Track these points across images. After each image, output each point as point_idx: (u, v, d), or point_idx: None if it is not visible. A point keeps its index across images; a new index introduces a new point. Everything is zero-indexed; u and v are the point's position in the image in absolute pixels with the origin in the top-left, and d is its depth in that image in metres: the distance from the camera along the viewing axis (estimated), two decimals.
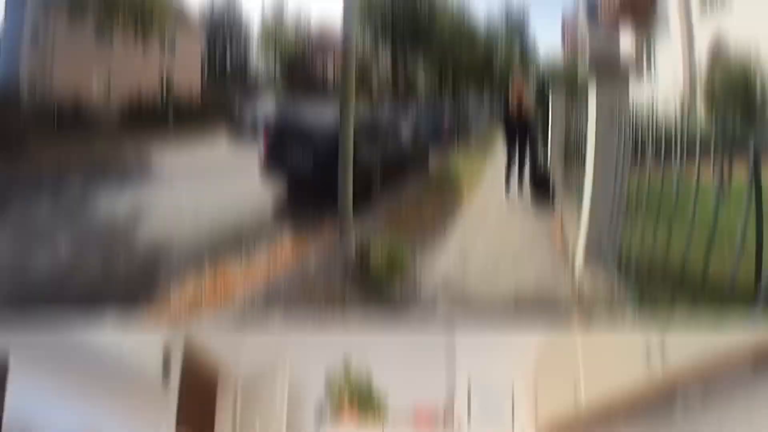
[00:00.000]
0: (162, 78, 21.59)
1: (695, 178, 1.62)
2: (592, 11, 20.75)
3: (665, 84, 10.57)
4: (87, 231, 4.30)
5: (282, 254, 3.98)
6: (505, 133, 5.90)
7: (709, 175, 1.55)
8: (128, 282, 3.30)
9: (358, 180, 3.93)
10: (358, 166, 3.81)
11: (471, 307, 2.83)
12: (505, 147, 5.93)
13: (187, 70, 22.88)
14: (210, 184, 6.85)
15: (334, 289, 3.01)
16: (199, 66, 25.67)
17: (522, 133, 5.71)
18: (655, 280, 2.09)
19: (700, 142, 1.58)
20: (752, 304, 1.22)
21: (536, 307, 2.85)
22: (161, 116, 16.71)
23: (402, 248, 3.41)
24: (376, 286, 2.94)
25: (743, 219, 1.30)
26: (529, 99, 5.14)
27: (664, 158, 1.95)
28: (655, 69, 13.30)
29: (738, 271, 1.33)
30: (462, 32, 40.73)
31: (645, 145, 2.32)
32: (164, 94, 21.05)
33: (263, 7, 36.83)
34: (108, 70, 18.12)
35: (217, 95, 23.65)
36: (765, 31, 7.59)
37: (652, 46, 13.43)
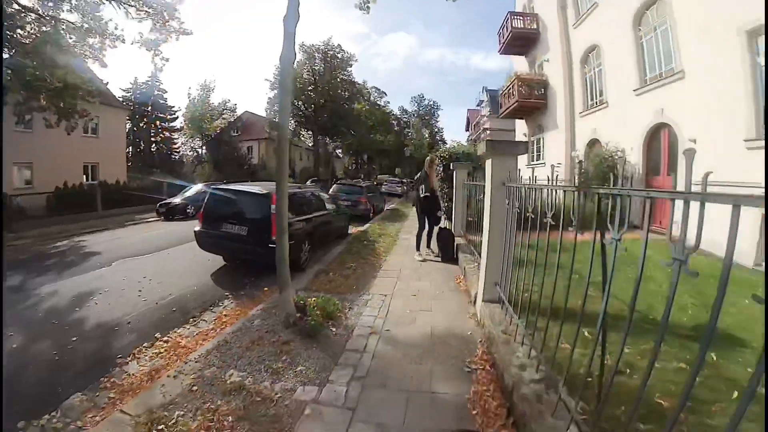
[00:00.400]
0: (88, 162, 20.82)
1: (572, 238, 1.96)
2: (495, 105, 24.70)
3: (550, 166, 13.06)
4: (33, 321, 4.24)
5: (228, 317, 4.38)
6: (417, 204, 6.94)
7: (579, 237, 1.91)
8: (83, 365, 3.35)
9: (291, 247, 4.24)
10: (290, 235, 4.15)
11: (395, 343, 3.44)
12: (417, 214, 6.91)
13: (113, 154, 22.31)
14: (149, 263, 7.09)
15: (279, 336, 3.49)
16: (124, 149, 25.04)
17: (430, 204, 6.67)
18: (534, 311, 2.56)
19: (576, 212, 1.93)
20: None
21: (449, 336, 3.54)
22: (89, 201, 16.32)
23: (334, 302, 4.06)
24: (313, 333, 3.49)
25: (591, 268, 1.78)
26: (437, 175, 5.90)
27: (546, 225, 2.31)
28: (543, 153, 16.05)
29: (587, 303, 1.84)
30: (376, 121, 44.63)
31: (527, 214, 2.74)
32: (91, 179, 20.24)
33: (189, 92, 37.37)
34: (30, 158, 17.31)
35: (145, 177, 23.09)
36: (623, 131, 10.17)
37: (542, 135, 16.14)
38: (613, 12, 10.86)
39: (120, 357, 3.50)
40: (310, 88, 36.14)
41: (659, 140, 9.26)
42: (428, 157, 6.96)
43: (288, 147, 3.84)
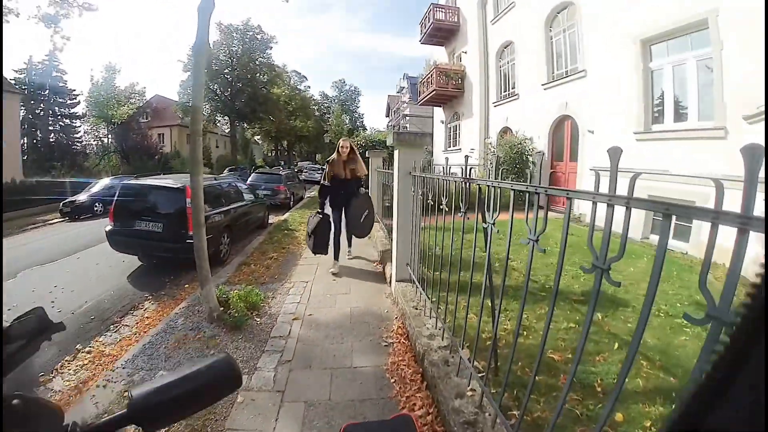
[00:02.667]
0: None
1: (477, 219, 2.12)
2: (414, 92, 25.52)
3: (466, 151, 13.97)
4: None
5: (150, 319, 4.29)
6: (329, 189, 5.29)
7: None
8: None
9: (210, 241, 4.34)
10: (208, 229, 4.14)
11: (318, 325, 3.65)
12: (332, 200, 5.47)
13: (5, 149, 19.23)
14: (58, 270, 6.56)
15: (204, 332, 3.54)
16: (18, 140, 21.72)
17: (347, 188, 5.26)
18: (438, 287, 2.92)
19: (463, 200, 2.24)
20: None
21: (367, 315, 3.83)
22: None
23: (256, 292, 4.16)
24: (238, 325, 3.58)
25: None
26: (354, 159, 5.12)
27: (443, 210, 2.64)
28: (459, 139, 16.94)
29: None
30: (296, 107, 42.82)
31: (428, 201, 3.05)
32: None
33: (92, 75, 33.11)
34: None
35: (44, 172, 20.29)
36: (532, 120, 11.21)
37: (458, 122, 16.94)
38: (528, 12, 11.77)
39: (42, 375, 3.32)
40: (226, 70, 33.93)
41: (563, 130, 10.40)
42: (342, 140, 5.33)
43: (201, 137, 3.75)
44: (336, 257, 5.33)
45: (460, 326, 2.39)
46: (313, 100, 52.58)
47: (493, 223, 1.89)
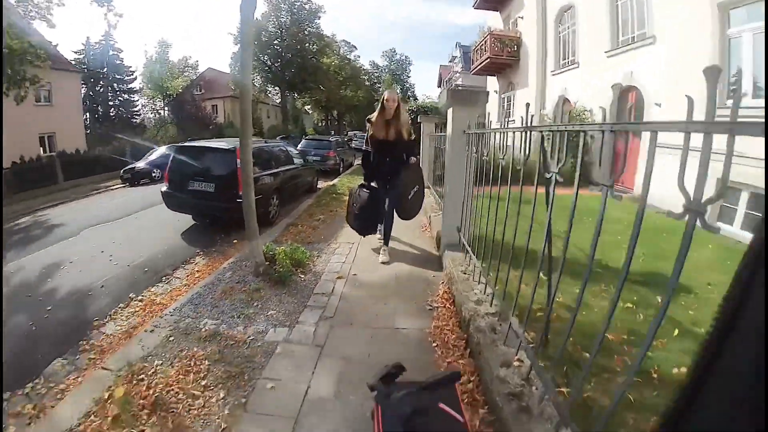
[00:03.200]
0: (43, 133, 19.45)
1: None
2: (467, 61, 24.63)
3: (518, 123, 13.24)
4: (4, 298, 4.09)
5: (200, 272, 4.48)
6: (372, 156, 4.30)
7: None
8: (61, 332, 3.38)
9: (259, 201, 4.39)
10: (257, 190, 4.25)
11: (362, 286, 3.62)
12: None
13: (69, 122, 20.98)
14: (117, 228, 7.01)
15: (250, 285, 3.61)
16: (81, 115, 23.53)
17: (392, 153, 4.22)
18: (484, 250, 2.83)
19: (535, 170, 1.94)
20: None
21: (413, 279, 3.75)
22: (49, 174, 15.58)
23: (302, 250, 4.19)
24: (283, 280, 3.63)
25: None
26: (401, 119, 4.09)
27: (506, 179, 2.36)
28: (513, 110, 16.17)
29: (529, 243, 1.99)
30: (346, 76, 42.32)
31: (484, 158, 2.87)
32: (48, 151, 18.99)
33: (146, 50, 34.66)
34: None
35: (105, 143, 21.93)
36: (593, 91, 10.32)
37: (513, 92, 16.14)
38: None
39: (96, 320, 3.57)
40: (275, 41, 34.23)
41: (627, 102, 9.55)
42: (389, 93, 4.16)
43: (250, 98, 3.77)
44: (386, 241, 4.37)
45: (510, 295, 2.25)
46: (363, 69, 51.93)
47: (558, 172, 1.69)
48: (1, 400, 2.43)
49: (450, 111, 3.89)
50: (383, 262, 4.18)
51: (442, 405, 1.28)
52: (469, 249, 3.38)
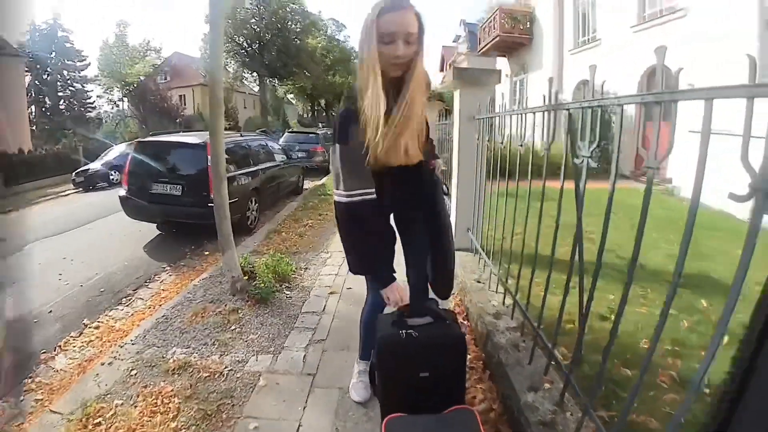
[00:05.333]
0: None
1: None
2: (473, 41, 24.76)
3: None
4: None
5: (166, 291, 4.40)
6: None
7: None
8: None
9: (235, 205, 4.37)
10: (233, 192, 4.21)
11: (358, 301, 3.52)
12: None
13: (11, 116, 20.62)
14: (69, 241, 6.89)
15: (225, 305, 3.55)
16: (25, 109, 23.13)
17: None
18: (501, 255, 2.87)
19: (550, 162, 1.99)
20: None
21: None
22: None
23: (286, 262, 4.13)
24: (265, 298, 3.56)
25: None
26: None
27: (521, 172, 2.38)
28: (525, 96, 16.22)
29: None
30: (335, 60, 41.90)
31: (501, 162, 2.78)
32: None
33: (102, 36, 34.27)
34: None
35: (54, 141, 21.63)
36: (618, 72, 9.97)
37: (526, 75, 16.18)
38: None
39: (44, 352, 3.46)
40: (253, 20, 34.02)
41: (656, 85, 9.57)
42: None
43: (222, 85, 3.73)
44: None
45: (533, 305, 2.20)
46: (354, 52, 52.26)
47: (590, 156, 1.63)
48: None
49: (456, 94, 3.86)
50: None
51: None
52: (483, 254, 3.34)
